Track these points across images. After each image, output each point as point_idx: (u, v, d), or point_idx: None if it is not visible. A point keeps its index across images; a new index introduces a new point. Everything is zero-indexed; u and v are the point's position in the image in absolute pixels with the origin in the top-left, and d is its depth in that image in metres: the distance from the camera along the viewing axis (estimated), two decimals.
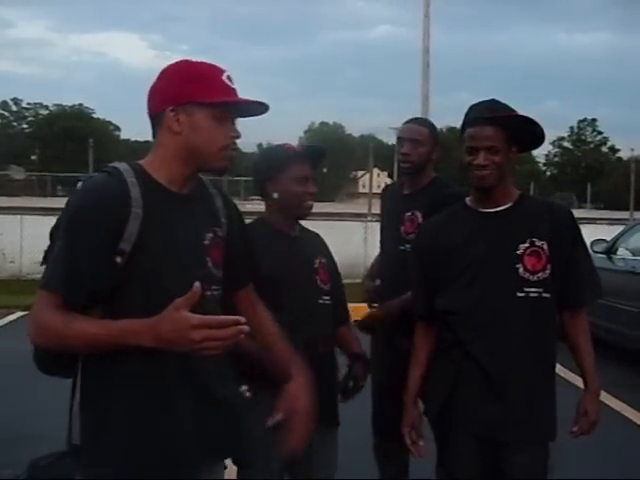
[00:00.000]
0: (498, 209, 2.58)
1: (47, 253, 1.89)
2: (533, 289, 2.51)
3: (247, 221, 2.91)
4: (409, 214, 3.28)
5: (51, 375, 2.00)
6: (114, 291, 1.82)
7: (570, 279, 2.57)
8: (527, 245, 2.52)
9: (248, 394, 2.74)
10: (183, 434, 1.88)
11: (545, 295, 2.52)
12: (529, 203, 2.65)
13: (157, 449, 1.86)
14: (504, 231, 2.56)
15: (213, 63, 1.92)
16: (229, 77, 1.89)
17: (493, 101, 2.60)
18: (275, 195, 2.83)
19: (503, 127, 2.51)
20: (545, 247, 2.52)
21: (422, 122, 3.48)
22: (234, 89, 1.90)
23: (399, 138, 3.34)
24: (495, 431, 2.52)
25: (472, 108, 2.60)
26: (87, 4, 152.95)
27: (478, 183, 2.56)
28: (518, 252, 2.51)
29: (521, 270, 2.50)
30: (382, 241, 3.61)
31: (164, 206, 1.86)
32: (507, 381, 2.51)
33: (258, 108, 1.95)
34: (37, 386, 5.19)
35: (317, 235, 3.06)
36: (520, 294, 2.50)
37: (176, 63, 1.92)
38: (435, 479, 2.71)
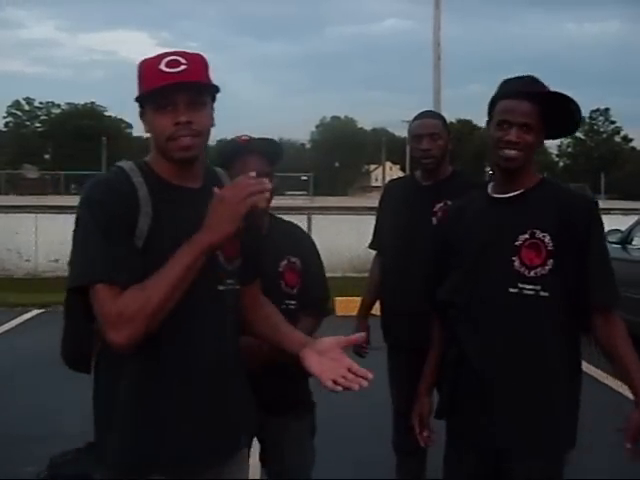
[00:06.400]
0: (509, 195, 2.32)
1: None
2: (528, 286, 2.23)
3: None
4: (441, 205, 3.09)
5: (77, 371, 1.96)
6: None
7: (588, 278, 2.25)
8: (527, 236, 2.25)
9: None
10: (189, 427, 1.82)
11: (543, 294, 2.23)
12: (544, 190, 2.33)
13: (163, 442, 1.79)
14: (506, 219, 2.30)
15: (166, 51, 1.77)
16: (170, 61, 1.72)
17: (532, 77, 2.32)
18: None
19: (540, 105, 2.25)
20: (547, 240, 2.24)
21: (433, 115, 3.43)
22: (172, 73, 1.71)
23: (416, 135, 3.21)
24: (491, 440, 2.30)
25: (507, 82, 2.33)
26: (95, 4, 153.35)
27: (505, 163, 2.28)
28: (516, 243, 2.25)
29: (516, 263, 2.24)
30: (390, 238, 3.35)
31: (172, 202, 1.79)
32: (495, 385, 2.27)
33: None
34: (53, 383, 5.23)
35: (294, 230, 2.77)
36: (512, 290, 2.24)
37: None
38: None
